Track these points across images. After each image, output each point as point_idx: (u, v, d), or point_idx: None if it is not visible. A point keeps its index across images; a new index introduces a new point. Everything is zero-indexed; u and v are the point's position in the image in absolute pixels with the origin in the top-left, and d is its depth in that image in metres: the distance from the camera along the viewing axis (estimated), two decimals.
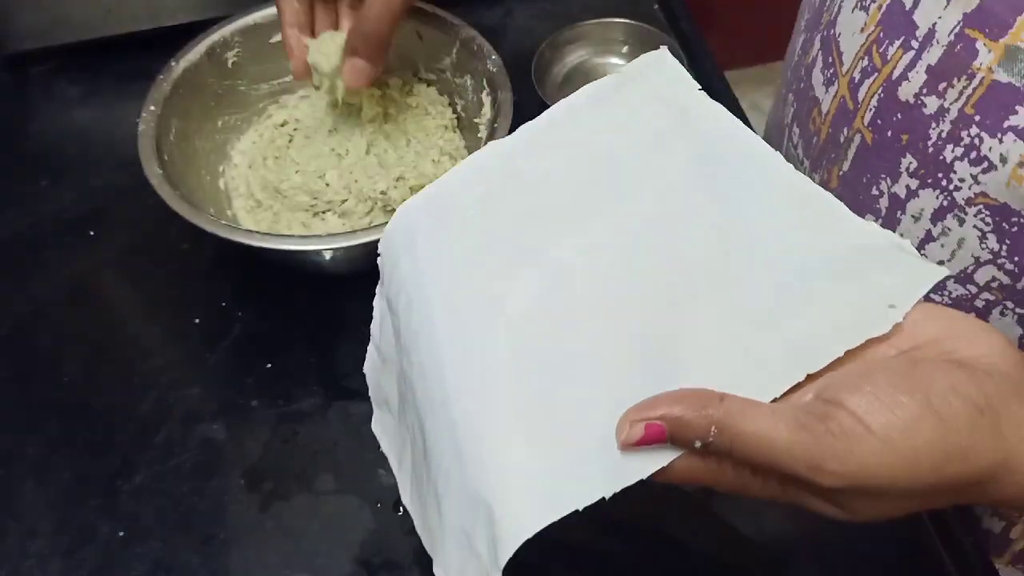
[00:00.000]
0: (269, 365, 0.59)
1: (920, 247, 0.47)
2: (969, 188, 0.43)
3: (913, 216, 0.47)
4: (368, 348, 0.46)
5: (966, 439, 0.32)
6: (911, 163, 0.45)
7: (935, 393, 0.32)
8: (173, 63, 0.63)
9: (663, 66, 0.45)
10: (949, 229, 0.45)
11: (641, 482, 0.33)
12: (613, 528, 0.51)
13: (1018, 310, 0.45)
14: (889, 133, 0.46)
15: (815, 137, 0.54)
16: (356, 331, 0.60)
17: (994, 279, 0.45)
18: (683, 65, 0.45)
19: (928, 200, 0.45)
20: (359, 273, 0.62)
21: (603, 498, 0.32)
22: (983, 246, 0.44)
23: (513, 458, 0.34)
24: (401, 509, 0.52)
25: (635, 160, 0.42)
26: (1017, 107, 0.40)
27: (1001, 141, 0.41)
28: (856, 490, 0.32)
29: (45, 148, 0.71)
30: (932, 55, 0.43)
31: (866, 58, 0.47)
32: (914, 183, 0.46)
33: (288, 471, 0.54)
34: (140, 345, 0.60)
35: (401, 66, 0.69)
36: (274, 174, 0.64)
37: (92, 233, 0.65)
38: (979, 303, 0.46)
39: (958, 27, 0.41)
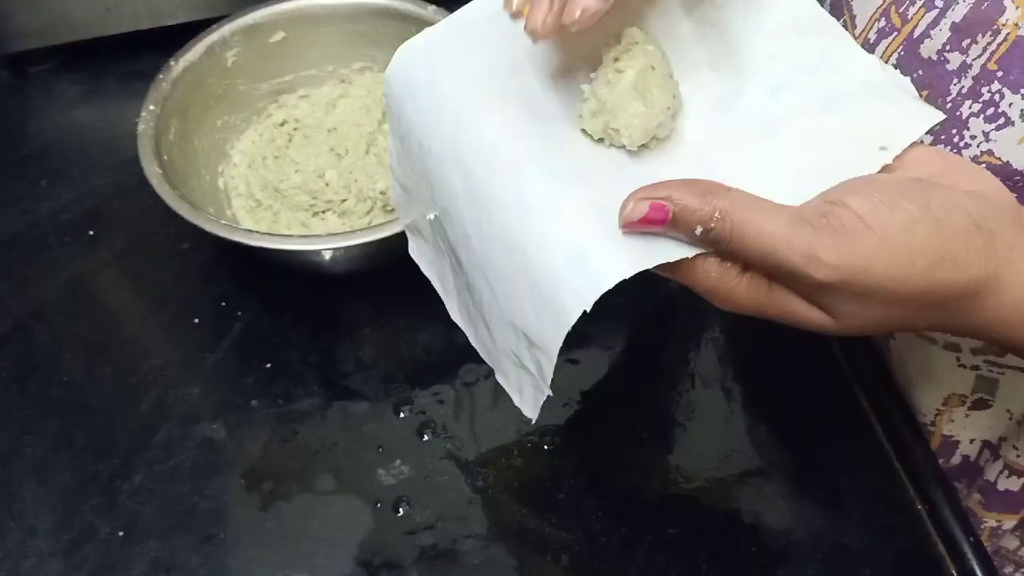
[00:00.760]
0: (269, 365, 0.59)
1: None
2: (978, 146, 0.43)
3: None
4: (391, 182, 0.46)
5: (960, 246, 0.33)
6: None
7: (936, 204, 0.33)
8: (173, 62, 0.63)
9: None
10: None
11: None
12: (613, 525, 0.51)
13: None
14: None
15: None
16: (356, 331, 0.60)
17: None
18: None
19: None
20: (359, 273, 0.63)
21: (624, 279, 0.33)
22: None
23: (538, 291, 0.35)
24: (401, 510, 0.52)
25: None
26: None
27: (1023, 97, 0.41)
28: (847, 287, 0.32)
29: (45, 148, 0.71)
30: (957, 12, 0.43)
31: (883, 19, 0.47)
32: (927, 138, 0.46)
33: (288, 471, 0.54)
34: (140, 345, 0.60)
35: None
36: (274, 173, 0.64)
37: (92, 233, 0.65)
38: None
39: None
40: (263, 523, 0.52)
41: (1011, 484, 0.54)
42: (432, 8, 0.66)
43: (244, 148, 0.67)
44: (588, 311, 0.34)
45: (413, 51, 0.41)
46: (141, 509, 0.52)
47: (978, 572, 0.50)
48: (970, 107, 0.43)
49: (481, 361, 0.44)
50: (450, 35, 0.40)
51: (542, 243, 0.35)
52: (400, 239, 0.55)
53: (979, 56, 0.42)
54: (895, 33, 0.47)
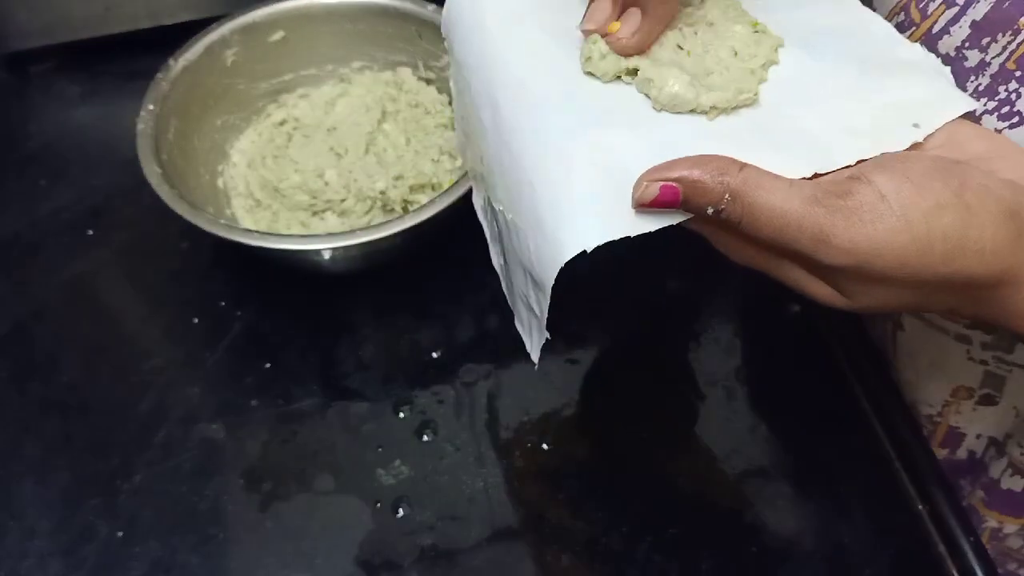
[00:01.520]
0: (268, 365, 0.59)
1: None
2: None
3: None
4: (456, 129, 0.46)
5: (989, 235, 0.31)
6: None
7: (970, 187, 0.31)
8: (172, 62, 0.63)
9: None
10: None
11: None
12: (613, 525, 0.51)
13: None
14: None
15: None
16: (356, 331, 0.60)
17: None
18: None
19: None
20: (358, 273, 0.63)
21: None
22: None
23: (542, 229, 0.35)
24: (401, 510, 0.52)
25: None
26: None
27: None
28: (860, 270, 0.31)
29: (45, 147, 0.71)
30: (978, 11, 0.43)
31: (902, 14, 0.47)
32: None
33: (287, 471, 0.54)
34: (139, 345, 0.60)
35: (400, 65, 0.69)
36: (273, 173, 0.64)
37: (91, 233, 0.65)
38: None
39: None
40: (263, 523, 0.52)
41: (1014, 484, 0.54)
42: (432, 7, 0.66)
43: (243, 148, 0.67)
44: (588, 251, 0.33)
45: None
46: (141, 509, 0.52)
47: (978, 572, 0.50)
48: (986, 104, 0.43)
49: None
50: None
51: (553, 180, 0.35)
52: (400, 239, 0.55)
53: (998, 55, 0.42)
54: (913, 28, 0.47)
